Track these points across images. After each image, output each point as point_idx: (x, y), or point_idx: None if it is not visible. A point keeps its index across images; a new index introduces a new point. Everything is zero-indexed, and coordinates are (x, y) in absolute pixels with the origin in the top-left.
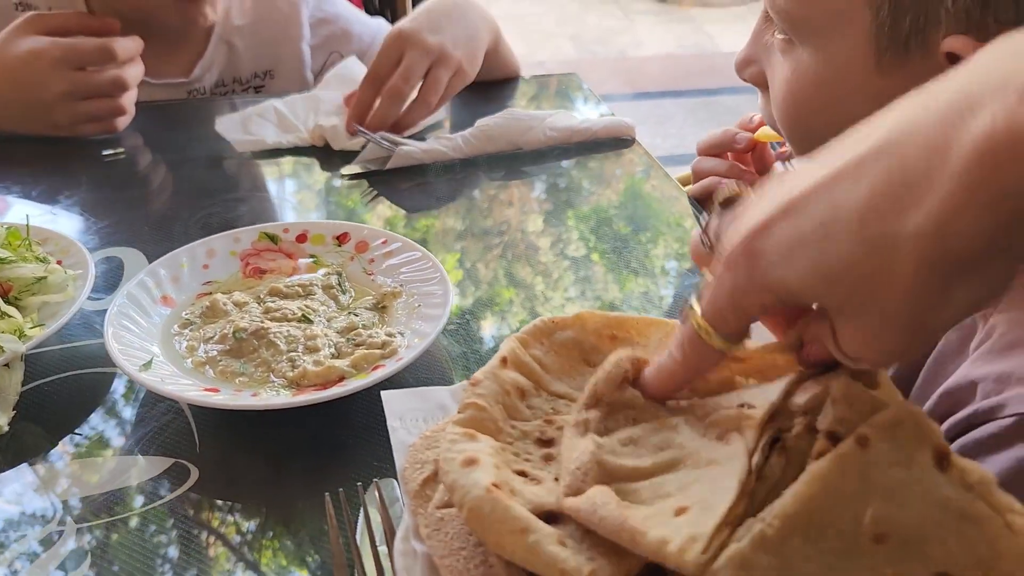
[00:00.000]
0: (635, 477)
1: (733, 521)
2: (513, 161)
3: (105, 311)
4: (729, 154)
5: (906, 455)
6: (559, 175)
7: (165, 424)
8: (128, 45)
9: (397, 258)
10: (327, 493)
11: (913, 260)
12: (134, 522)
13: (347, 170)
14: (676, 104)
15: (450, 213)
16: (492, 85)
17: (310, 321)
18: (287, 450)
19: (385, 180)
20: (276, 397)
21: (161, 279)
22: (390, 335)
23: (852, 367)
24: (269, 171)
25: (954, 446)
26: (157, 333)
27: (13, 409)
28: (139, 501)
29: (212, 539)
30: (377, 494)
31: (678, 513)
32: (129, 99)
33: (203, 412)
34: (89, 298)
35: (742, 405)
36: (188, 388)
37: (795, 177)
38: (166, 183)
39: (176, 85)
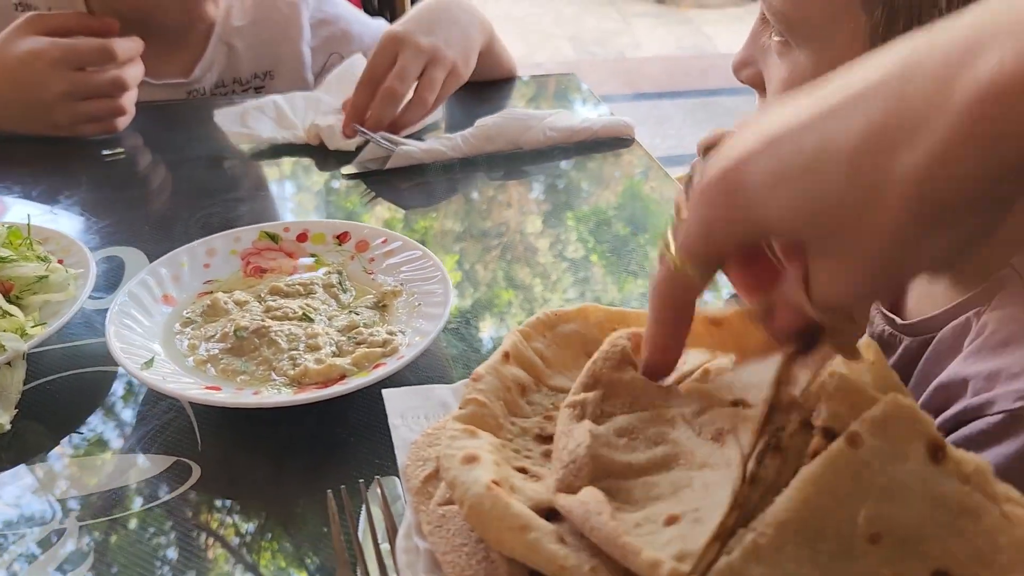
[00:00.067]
0: (628, 474)
1: (723, 535)
2: (513, 161)
3: (106, 310)
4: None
5: (899, 450)
6: (558, 176)
7: (167, 423)
8: (128, 46)
9: (397, 257)
10: (329, 491)
11: (900, 200)
12: (137, 520)
13: (346, 170)
14: (675, 105)
15: (449, 214)
16: (489, 86)
17: (311, 320)
18: (289, 448)
19: (384, 180)
20: (278, 395)
21: (162, 278)
22: (391, 333)
23: (822, 318)
24: (269, 171)
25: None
26: (158, 332)
27: (15, 408)
28: (141, 499)
29: (215, 537)
30: (379, 491)
31: (669, 522)
32: (129, 99)
33: (205, 410)
34: (90, 297)
35: (736, 403)
36: (190, 386)
37: (780, 111)
38: (166, 183)
39: (176, 85)
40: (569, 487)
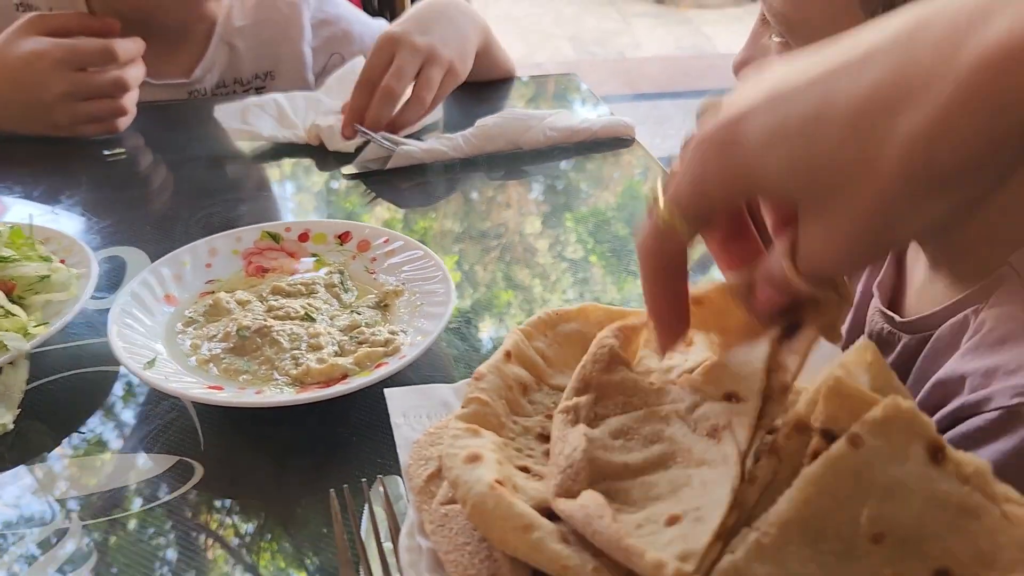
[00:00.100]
0: (626, 475)
1: (725, 533)
2: (513, 161)
3: (107, 310)
4: None
5: (900, 451)
6: (557, 176)
7: (169, 422)
8: (129, 46)
9: (399, 257)
10: (332, 490)
11: (897, 162)
12: (139, 519)
13: (347, 170)
14: (675, 105)
15: (448, 215)
16: (488, 86)
17: (313, 319)
18: (291, 447)
19: (384, 181)
20: (280, 395)
21: (164, 278)
22: (393, 333)
23: (806, 288)
24: (269, 171)
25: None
26: (161, 331)
27: (18, 407)
28: (143, 499)
29: (217, 536)
30: (382, 490)
31: (670, 522)
32: (130, 100)
33: (207, 410)
34: (91, 297)
35: (729, 396)
36: (192, 386)
37: (785, 68)
38: (167, 183)
39: (177, 86)
40: (568, 492)
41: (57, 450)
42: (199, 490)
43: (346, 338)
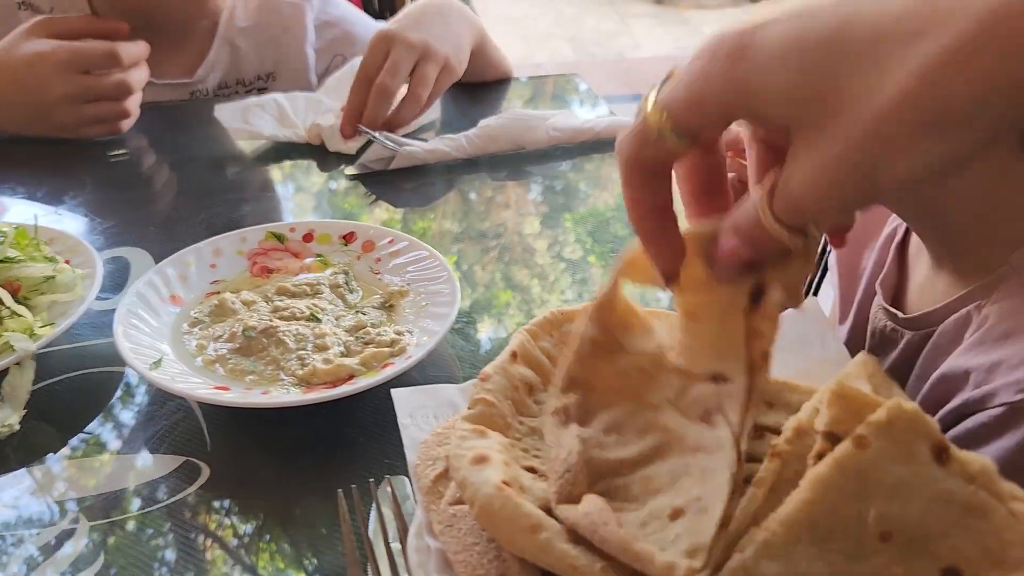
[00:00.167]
0: (623, 470)
1: (729, 520)
2: (516, 161)
3: (112, 311)
4: (730, 152)
5: (905, 451)
6: (556, 177)
7: (176, 423)
8: (134, 50)
9: (403, 257)
10: (339, 490)
11: (903, 91)
12: (146, 520)
13: (350, 171)
14: None
15: (447, 215)
16: (487, 87)
17: (318, 320)
18: (297, 448)
19: (384, 181)
20: (287, 395)
21: (169, 278)
22: (399, 333)
23: (778, 231)
24: (271, 172)
25: (947, 436)
26: (167, 332)
27: (24, 408)
28: (150, 500)
29: (224, 537)
30: (390, 490)
31: (674, 516)
32: (133, 102)
33: (213, 410)
34: (96, 298)
35: (715, 377)
36: (198, 386)
37: None
38: (170, 184)
39: (179, 85)
40: (568, 497)
41: (63, 451)
42: (206, 491)
43: (352, 339)
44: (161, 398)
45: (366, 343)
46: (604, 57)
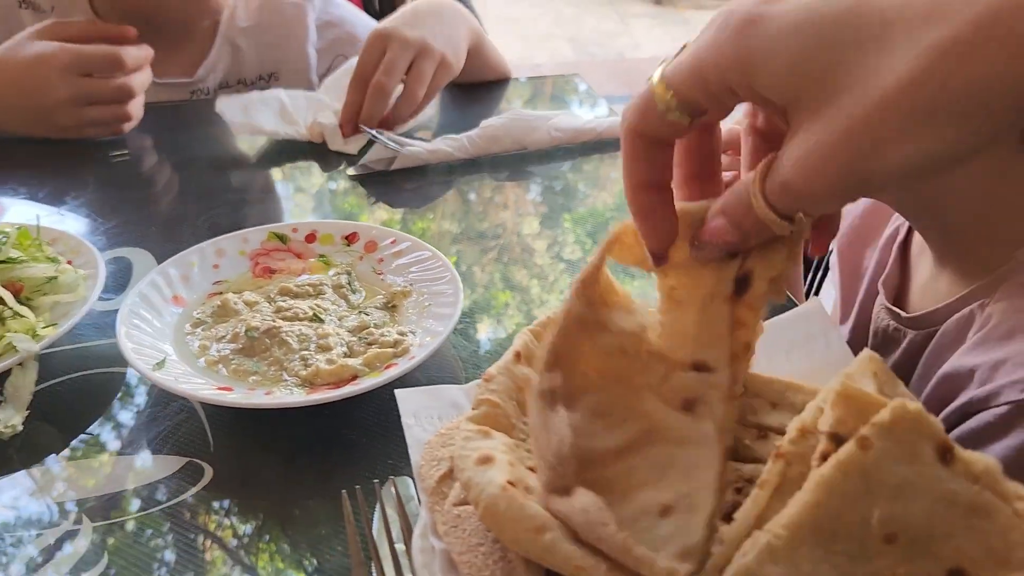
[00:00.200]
0: (607, 460)
1: (718, 514)
2: (518, 162)
3: (115, 311)
4: (729, 151)
5: (909, 452)
6: (555, 177)
7: (178, 423)
8: (137, 54)
9: (406, 258)
10: (343, 491)
11: (907, 78)
12: (149, 520)
13: (351, 171)
14: None
15: (446, 216)
16: (486, 87)
17: (321, 320)
18: (301, 448)
19: (385, 181)
20: (290, 396)
21: (172, 279)
22: (402, 334)
23: (767, 216)
24: (272, 172)
25: (951, 435)
26: (169, 332)
27: (27, 409)
28: (154, 500)
29: (227, 538)
30: (394, 491)
31: (664, 513)
32: (135, 106)
33: (216, 411)
34: (98, 299)
35: (697, 366)
36: (201, 387)
37: None
38: (172, 184)
39: (180, 85)
40: (559, 488)
41: (66, 451)
42: (209, 491)
43: (355, 339)
44: (164, 399)
45: (369, 344)
46: (604, 57)
